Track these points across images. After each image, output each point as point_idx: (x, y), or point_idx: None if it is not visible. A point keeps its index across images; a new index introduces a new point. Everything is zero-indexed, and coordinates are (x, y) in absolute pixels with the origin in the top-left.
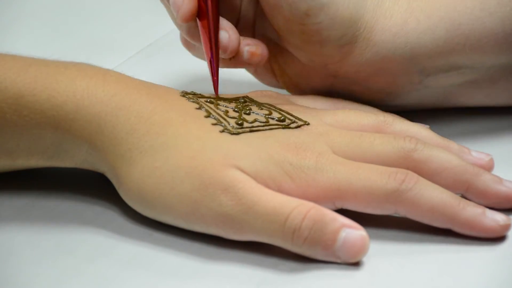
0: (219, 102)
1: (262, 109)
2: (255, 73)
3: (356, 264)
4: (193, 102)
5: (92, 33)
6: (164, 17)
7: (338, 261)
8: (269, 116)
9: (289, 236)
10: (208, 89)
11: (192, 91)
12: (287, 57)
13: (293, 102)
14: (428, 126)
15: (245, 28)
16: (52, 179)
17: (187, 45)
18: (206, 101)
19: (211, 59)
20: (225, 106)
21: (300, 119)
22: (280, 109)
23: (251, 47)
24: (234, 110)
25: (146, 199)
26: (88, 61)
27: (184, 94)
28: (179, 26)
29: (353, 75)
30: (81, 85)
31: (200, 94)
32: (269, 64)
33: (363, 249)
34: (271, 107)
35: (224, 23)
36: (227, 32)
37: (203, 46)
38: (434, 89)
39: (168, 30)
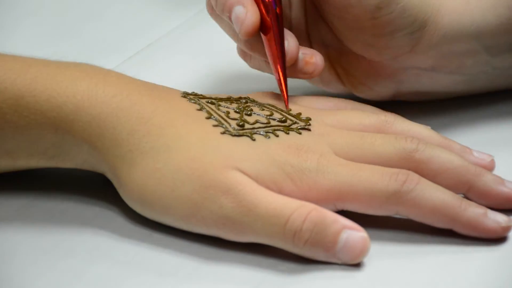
0: (220, 103)
1: (263, 110)
2: (322, 82)
3: (356, 265)
4: (194, 103)
5: (92, 33)
6: (164, 17)
7: (339, 262)
8: (271, 117)
9: (290, 238)
10: (209, 90)
11: (193, 92)
12: (351, 59)
13: (294, 103)
14: (429, 127)
15: (298, 38)
16: (52, 179)
17: (244, 56)
18: (207, 102)
19: (280, 75)
20: (226, 107)
21: (301, 120)
22: (282, 110)
23: (306, 55)
24: (235, 111)
25: (147, 200)
26: (88, 61)
27: (185, 95)
28: (236, 39)
29: (422, 64)
30: (82, 86)
31: (201, 95)
32: (333, 69)
33: (364, 251)
34: (272, 108)
35: (284, 31)
36: (287, 39)
37: (270, 59)
38: (502, 70)
39: (168, 30)
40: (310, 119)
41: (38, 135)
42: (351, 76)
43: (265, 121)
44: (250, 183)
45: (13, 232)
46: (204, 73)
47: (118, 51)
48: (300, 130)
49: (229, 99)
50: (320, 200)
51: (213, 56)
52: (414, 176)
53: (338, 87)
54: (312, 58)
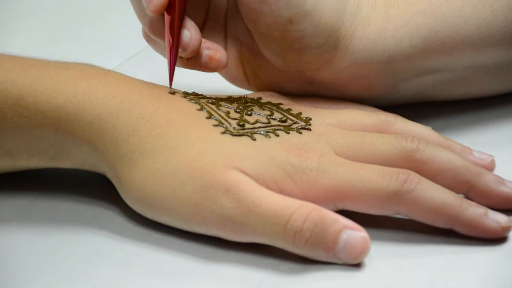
0: (220, 103)
1: (263, 109)
2: (226, 75)
3: (357, 265)
4: (195, 103)
5: (92, 34)
6: None
7: (339, 262)
8: (271, 117)
9: (290, 238)
10: (209, 90)
11: (194, 92)
12: (260, 61)
13: (295, 102)
14: (430, 127)
15: (215, 28)
16: (52, 179)
17: (148, 39)
18: (208, 102)
19: (171, 53)
20: (227, 107)
21: (302, 120)
22: (282, 110)
23: (211, 51)
24: (236, 111)
25: (147, 201)
26: (88, 61)
27: (186, 95)
28: (142, 19)
29: (329, 82)
30: (82, 86)
31: (201, 95)
32: (241, 67)
33: (364, 251)
34: (272, 108)
35: (188, 22)
36: (189, 31)
37: (166, 41)
38: (408, 91)
39: None
40: (310, 119)
41: (38, 135)
42: (258, 79)
43: (265, 121)
44: (251, 183)
45: (13, 233)
46: (204, 73)
47: (118, 51)
48: (301, 130)
49: (229, 99)
50: (320, 200)
51: None
52: (415, 176)
53: (243, 85)
54: (217, 54)
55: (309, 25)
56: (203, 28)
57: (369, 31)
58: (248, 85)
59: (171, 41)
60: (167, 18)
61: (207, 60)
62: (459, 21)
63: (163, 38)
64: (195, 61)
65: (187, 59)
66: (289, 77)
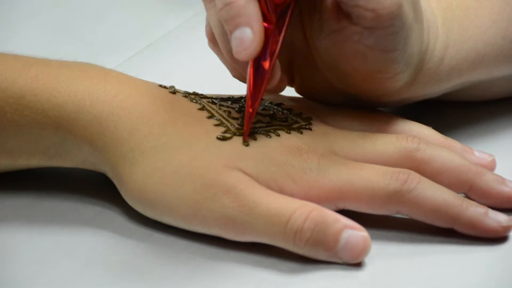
0: (221, 103)
1: (264, 109)
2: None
3: (357, 265)
4: (196, 102)
5: (93, 33)
6: (164, 17)
7: (340, 262)
8: (272, 117)
9: (291, 238)
10: (209, 89)
11: (194, 92)
12: (313, 73)
13: (296, 103)
14: (430, 127)
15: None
16: (52, 179)
17: (212, 40)
18: (209, 102)
19: (252, 105)
20: (228, 107)
21: (302, 120)
22: (282, 110)
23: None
24: (237, 111)
25: (148, 200)
26: (88, 60)
27: (187, 94)
28: (225, 55)
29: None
30: (83, 85)
31: (202, 95)
32: (290, 73)
33: (365, 250)
34: (273, 108)
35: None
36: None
37: (248, 84)
38: (430, 95)
39: (168, 30)
40: (311, 119)
41: (39, 134)
42: (306, 87)
43: (266, 120)
44: (251, 182)
45: (14, 232)
46: (204, 73)
47: (118, 51)
48: (302, 130)
49: (230, 99)
50: (321, 200)
51: (213, 56)
52: (415, 176)
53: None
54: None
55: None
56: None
57: (430, 65)
58: (291, 86)
59: (255, 95)
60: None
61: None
62: (504, 42)
63: (243, 73)
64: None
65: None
66: (338, 93)
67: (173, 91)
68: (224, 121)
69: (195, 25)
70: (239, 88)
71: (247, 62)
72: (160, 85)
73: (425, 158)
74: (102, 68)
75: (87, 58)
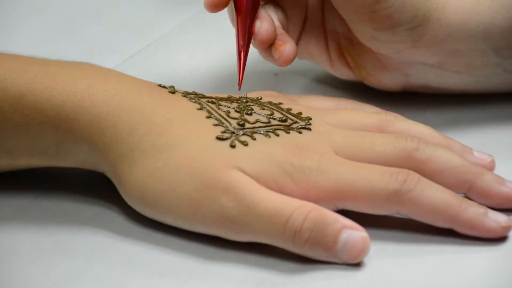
0: (220, 102)
1: (264, 109)
2: (332, 68)
3: (356, 265)
4: (195, 102)
5: (92, 33)
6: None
7: (339, 262)
8: (271, 117)
9: (290, 238)
10: (209, 89)
11: (194, 91)
12: (360, 49)
13: (295, 102)
14: (429, 126)
15: (315, 25)
16: (52, 179)
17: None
18: (208, 102)
19: (240, 49)
20: (227, 107)
21: (302, 119)
22: (282, 109)
23: (278, 41)
24: (236, 111)
25: (147, 199)
26: (88, 60)
27: (186, 94)
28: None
29: (427, 60)
30: (82, 85)
31: (201, 94)
32: (344, 58)
33: (364, 250)
34: (273, 107)
35: (262, 13)
36: (260, 22)
37: (236, 34)
38: None
39: (168, 30)
40: (310, 119)
41: (38, 134)
42: (360, 66)
43: (265, 120)
44: (251, 182)
45: (13, 232)
46: (204, 73)
47: (118, 51)
48: (301, 130)
49: (229, 99)
50: (320, 199)
51: (213, 56)
52: (415, 176)
53: (348, 75)
54: (282, 45)
55: (396, 0)
56: (304, 27)
57: (463, 2)
58: (353, 74)
59: (240, 37)
60: (236, 13)
61: (273, 50)
62: None
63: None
64: (268, 51)
65: (265, 49)
66: (389, 61)
67: (173, 91)
68: (223, 120)
69: (195, 25)
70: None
71: None
72: (160, 85)
73: (425, 158)
74: (101, 68)
75: (87, 58)
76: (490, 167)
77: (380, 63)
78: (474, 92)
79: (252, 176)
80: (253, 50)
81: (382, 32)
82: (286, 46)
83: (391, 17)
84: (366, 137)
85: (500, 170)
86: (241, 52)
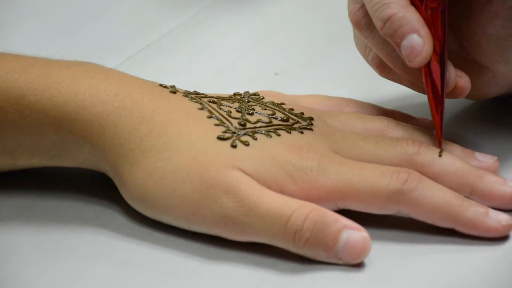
0: (221, 102)
1: (265, 109)
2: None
3: (357, 265)
4: (196, 102)
5: (93, 33)
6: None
7: (340, 262)
8: (273, 117)
9: (290, 238)
10: (209, 89)
11: (195, 91)
12: (474, 68)
13: (297, 103)
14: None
15: None
16: (52, 179)
17: (381, 68)
18: (209, 101)
19: (437, 116)
20: (228, 106)
21: (303, 119)
22: (284, 109)
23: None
24: (237, 111)
25: (148, 199)
26: (89, 60)
27: (187, 94)
28: (391, 61)
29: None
30: (83, 85)
31: (202, 94)
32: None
33: (364, 250)
34: (274, 107)
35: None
36: (448, 71)
37: (429, 92)
38: None
39: (168, 30)
40: (312, 119)
41: (39, 134)
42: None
43: (267, 120)
44: (251, 182)
45: (14, 232)
46: (204, 73)
47: (118, 51)
48: (302, 130)
49: (230, 98)
50: (321, 199)
51: (213, 56)
52: (416, 175)
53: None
54: (461, 81)
55: None
56: None
57: None
58: None
59: (434, 90)
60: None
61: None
62: None
63: (416, 79)
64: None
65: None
66: (504, 79)
67: (174, 90)
68: (224, 120)
69: (195, 24)
70: (238, 88)
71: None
72: (161, 85)
73: (426, 162)
74: (102, 68)
75: (88, 58)
76: (494, 168)
77: (494, 80)
78: None
79: (252, 176)
80: (249, 50)
81: None
82: (461, 79)
83: None
84: (367, 140)
85: (500, 170)
86: (438, 108)
